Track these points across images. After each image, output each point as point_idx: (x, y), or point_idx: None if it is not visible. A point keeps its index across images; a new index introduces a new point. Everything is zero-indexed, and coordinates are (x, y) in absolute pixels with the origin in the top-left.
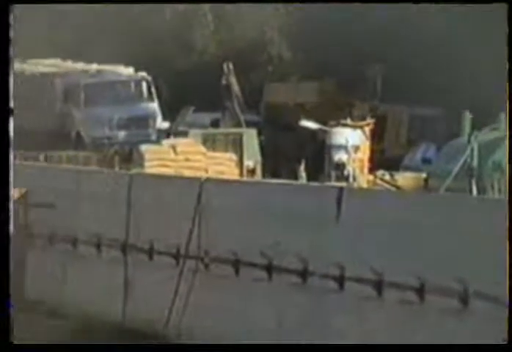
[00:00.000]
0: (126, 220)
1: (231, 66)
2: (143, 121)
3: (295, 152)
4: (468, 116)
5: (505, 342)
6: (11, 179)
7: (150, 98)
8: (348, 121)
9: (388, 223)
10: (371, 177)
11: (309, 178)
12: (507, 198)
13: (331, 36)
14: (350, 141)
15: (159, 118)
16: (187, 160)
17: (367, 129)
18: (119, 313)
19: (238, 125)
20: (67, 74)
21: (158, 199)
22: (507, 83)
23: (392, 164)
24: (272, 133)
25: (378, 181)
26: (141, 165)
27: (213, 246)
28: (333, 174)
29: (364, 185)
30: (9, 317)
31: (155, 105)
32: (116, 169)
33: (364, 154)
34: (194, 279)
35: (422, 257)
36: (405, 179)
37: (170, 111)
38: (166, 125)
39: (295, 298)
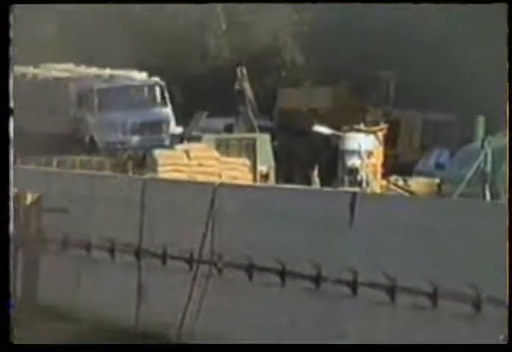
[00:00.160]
0: (139, 225)
1: (244, 71)
2: (156, 126)
3: (308, 158)
4: (481, 121)
5: (505, 342)
6: (11, 179)
7: (164, 103)
8: (362, 126)
9: (401, 228)
10: (384, 183)
11: (323, 183)
12: (507, 198)
13: (344, 41)
14: (364, 146)
15: (172, 123)
16: (200, 165)
17: (380, 134)
18: (132, 318)
19: (252, 130)
20: (80, 79)
21: (172, 204)
22: (507, 83)
23: (406, 169)
24: (285, 139)
25: (392, 186)
26: (155, 170)
27: (227, 250)
28: (346, 179)
29: (378, 191)
30: (9, 317)
31: (168, 110)
32: (130, 173)
33: (378, 159)
34: (208, 284)
35: (436, 261)
36: (418, 184)
37: (184, 116)
38: (179, 130)
39: (309, 303)
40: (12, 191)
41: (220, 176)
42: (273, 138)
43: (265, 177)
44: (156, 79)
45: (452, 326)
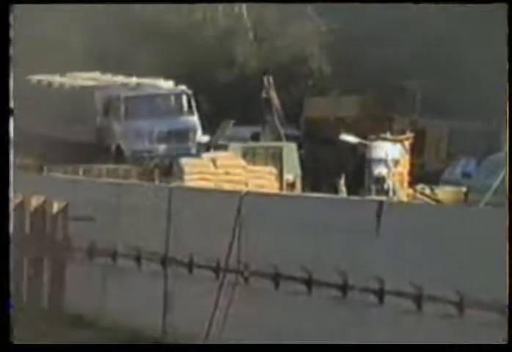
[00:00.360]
0: (166, 233)
1: (271, 79)
2: (183, 134)
3: (335, 166)
4: (508, 129)
5: (505, 342)
6: (11, 179)
7: (190, 112)
8: (388, 135)
9: (427, 237)
10: (411, 191)
11: (349, 192)
12: (507, 198)
13: (370, 50)
14: (390, 155)
15: (199, 131)
16: (227, 173)
17: (406, 143)
18: (158, 327)
19: (278, 138)
20: (106, 87)
21: (198, 213)
22: (507, 83)
23: (432, 178)
24: (312, 147)
25: (418, 195)
26: (181, 178)
27: (253, 259)
28: (373, 187)
29: (404, 199)
30: (9, 317)
31: (195, 119)
32: (156, 182)
33: (404, 168)
34: (234, 293)
35: (462, 270)
36: (445, 193)
37: (210, 125)
38: (206, 138)
39: (335, 312)
40: (12, 191)
41: (246, 184)
42: (299, 147)
43: (292, 185)
44: (183, 87)
45: (478, 334)
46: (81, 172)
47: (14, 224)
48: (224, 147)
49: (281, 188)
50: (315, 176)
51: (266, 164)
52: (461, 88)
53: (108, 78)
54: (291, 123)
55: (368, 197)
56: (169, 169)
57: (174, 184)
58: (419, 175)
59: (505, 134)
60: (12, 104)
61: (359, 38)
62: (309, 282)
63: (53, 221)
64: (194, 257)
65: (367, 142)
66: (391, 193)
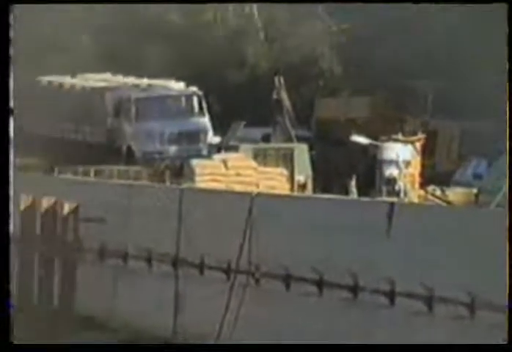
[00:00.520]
0: (177, 234)
1: (282, 80)
2: (194, 136)
3: (346, 167)
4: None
5: (504, 342)
6: (11, 179)
7: (201, 113)
8: (399, 136)
9: (438, 238)
10: (422, 192)
11: (360, 193)
12: (507, 199)
13: (381, 51)
14: (401, 156)
15: (210, 133)
16: (238, 174)
17: (418, 144)
18: (169, 327)
19: (289, 139)
20: (117, 88)
21: (209, 214)
22: (507, 83)
23: (443, 179)
24: (323, 148)
25: (429, 196)
26: (192, 179)
27: (264, 260)
28: (384, 189)
29: (415, 200)
30: (9, 317)
31: (206, 120)
32: (167, 183)
33: (415, 169)
34: (245, 294)
35: (473, 271)
36: (456, 194)
37: (221, 126)
38: (217, 139)
39: (346, 313)
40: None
41: (257, 186)
42: (310, 148)
43: (303, 186)
44: (194, 89)
45: (488, 335)
46: (91, 174)
47: (25, 224)
48: (235, 148)
49: (292, 189)
50: (326, 177)
51: (277, 165)
52: (472, 89)
53: (119, 79)
54: (302, 124)
55: (379, 198)
56: (180, 171)
57: (185, 185)
58: (430, 176)
59: None
60: (11, 104)
61: (369, 38)
62: (320, 284)
63: (64, 222)
64: (204, 259)
65: (378, 143)
66: (402, 195)
